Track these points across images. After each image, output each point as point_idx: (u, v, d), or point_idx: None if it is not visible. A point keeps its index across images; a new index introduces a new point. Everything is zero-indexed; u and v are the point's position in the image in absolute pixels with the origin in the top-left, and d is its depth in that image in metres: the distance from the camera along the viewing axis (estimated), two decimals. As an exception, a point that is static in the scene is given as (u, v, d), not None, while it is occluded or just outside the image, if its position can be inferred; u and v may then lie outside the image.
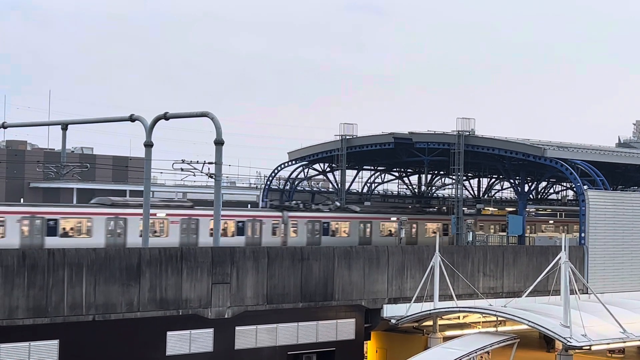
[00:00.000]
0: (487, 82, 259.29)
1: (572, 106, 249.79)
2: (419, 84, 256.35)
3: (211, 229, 47.41)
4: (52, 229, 44.59)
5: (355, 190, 71.52)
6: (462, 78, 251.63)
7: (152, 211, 44.96)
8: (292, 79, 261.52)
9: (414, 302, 40.53)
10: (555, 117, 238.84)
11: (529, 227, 61.21)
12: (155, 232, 47.86)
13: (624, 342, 37.96)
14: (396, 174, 75.03)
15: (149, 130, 43.48)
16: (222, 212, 43.85)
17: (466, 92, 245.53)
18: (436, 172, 73.07)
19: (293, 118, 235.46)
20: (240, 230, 51.40)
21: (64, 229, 45.20)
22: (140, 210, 43.76)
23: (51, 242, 43.55)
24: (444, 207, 67.21)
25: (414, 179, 76.43)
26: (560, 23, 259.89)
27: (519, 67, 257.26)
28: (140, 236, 44.25)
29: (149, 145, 43.40)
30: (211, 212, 46.87)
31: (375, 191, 74.95)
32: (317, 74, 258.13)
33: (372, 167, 72.21)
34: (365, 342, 41.70)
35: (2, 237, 42.51)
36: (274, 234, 53.31)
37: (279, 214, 54.23)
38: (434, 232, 60.19)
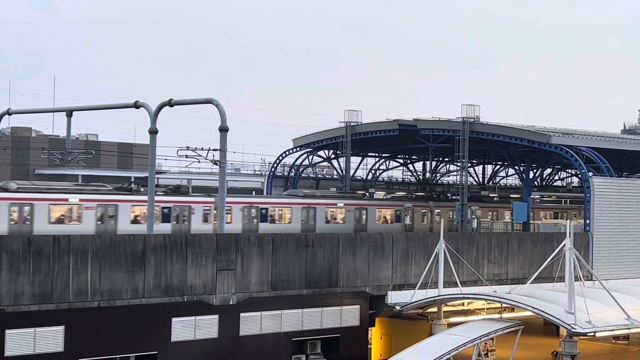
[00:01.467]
0: (492, 68, 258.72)
1: (578, 93, 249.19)
2: (424, 71, 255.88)
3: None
4: (264, 216, 51.99)
5: (359, 177, 71.53)
6: (467, 64, 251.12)
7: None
8: (297, 65, 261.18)
9: (418, 289, 40.57)
10: (561, 104, 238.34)
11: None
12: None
13: (629, 328, 38.02)
14: (401, 160, 74.98)
15: (154, 116, 43.48)
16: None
17: (471, 78, 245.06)
18: (441, 159, 73.02)
19: (298, 105, 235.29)
20: (165, 217, 47.72)
21: (271, 216, 52.27)
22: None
23: (263, 227, 50.96)
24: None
25: (418, 166, 76.41)
26: (565, 8, 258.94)
27: (524, 53, 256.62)
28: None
29: (153, 132, 43.42)
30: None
31: (380, 178, 74.96)
32: (322, 61, 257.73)
33: (377, 154, 72.16)
34: (369, 328, 41.79)
35: (229, 222, 48.70)
36: (205, 220, 50.08)
37: (211, 199, 50.39)
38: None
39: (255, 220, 51.73)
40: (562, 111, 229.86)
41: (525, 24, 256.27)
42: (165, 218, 47.78)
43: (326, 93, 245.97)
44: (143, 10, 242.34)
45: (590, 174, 49.87)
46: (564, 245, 36.85)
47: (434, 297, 40.06)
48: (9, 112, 55.37)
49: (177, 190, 50.97)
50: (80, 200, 45.25)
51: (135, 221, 46.83)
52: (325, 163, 72.05)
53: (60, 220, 44.31)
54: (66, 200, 44.83)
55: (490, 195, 68.51)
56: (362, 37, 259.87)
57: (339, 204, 56.54)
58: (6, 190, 43.82)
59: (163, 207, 47.94)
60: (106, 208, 45.94)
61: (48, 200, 44.66)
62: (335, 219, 56.31)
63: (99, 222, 45.43)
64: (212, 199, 50.20)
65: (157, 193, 46.20)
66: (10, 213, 42.69)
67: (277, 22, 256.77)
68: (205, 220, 49.85)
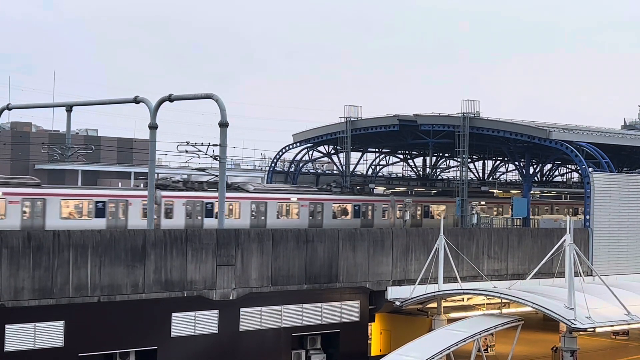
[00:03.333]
0: (492, 64, 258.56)
1: (578, 88, 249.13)
2: (425, 66, 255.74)
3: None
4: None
5: (360, 173, 71.53)
6: (468, 60, 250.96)
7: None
8: (297, 60, 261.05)
9: (418, 284, 40.59)
10: (561, 100, 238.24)
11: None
12: (286, 213, 52.72)
13: (628, 324, 38.05)
14: (401, 156, 74.97)
15: (154, 112, 43.44)
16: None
17: (472, 74, 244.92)
18: (441, 154, 73.00)
19: (298, 100, 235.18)
20: (100, 212, 46.28)
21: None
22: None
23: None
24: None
25: (418, 161, 76.43)
26: (567, 4, 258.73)
27: (525, 49, 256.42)
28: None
29: (153, 127, 43.38)
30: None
31: (380, 173, 74.96)
32: (323, 55, 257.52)
33: (377, 150, 72.15)
34: (369, 323, 41.81)
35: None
36: (383, 216, 56.24)
37: (388, 199, 56.19)
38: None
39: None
40: (562, 107, 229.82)
41: (526, 20, 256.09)
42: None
43: (326, 88, 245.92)
44: (143, 4, 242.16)
45: (591, 169, 49.85)
46: (564, 240, 36.85)
47: (434, 292, 40.07)
48: (8, 107, 55.27)
49: (362, 190, 60.32)
50: (298, 199, 53.64)
51: (334, 216, 55.64)
52: (325, 158, 72.01)
53: (283, 215, 53.49)
54: (288, 199, 53.36)
55: (491, 190, 68.49)
56: (363, 32, 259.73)
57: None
58: (246, 190, 52.55)
59: (354, 205, 56.76)
60: (315, 206, 54.62)
61: (277, 200, 54.06)
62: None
63: (311, 217, 54.13)
64: (388, 199, 59.48)
65: (346, 192, 57.21)
66: (251, 210, 51.54)
67: (277, 16, 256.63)
68: (383, 215, 57.99)
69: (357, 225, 54.66)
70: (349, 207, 57.31)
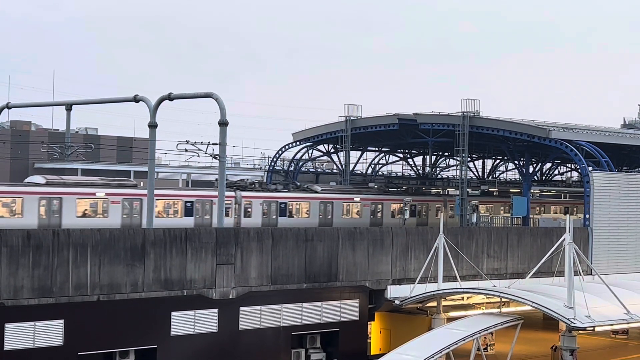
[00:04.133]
0: (492, 63, 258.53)
1: (577, 87, 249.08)
2: (424, 65, 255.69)
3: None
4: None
5: (359, 172, 71.51)
6: (467, 59, 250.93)
7: None
8: (297, 59, 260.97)
9: (417, 283, 40.59)
10: (561, 99, 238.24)
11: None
12: (352, 214, 56.29)
13: (628, 323, 38.05)
14: (400, 155, 74.97)
15: (153, 110, 43.44)
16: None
17: (471, 72, 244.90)
18: (440, 153, 73.02)
19: (298, 99, 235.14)
20: (189, 211, 48.67)
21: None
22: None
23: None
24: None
25: (418, 160, 76.43)
26: (566, 3, 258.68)
27: (525, 48, 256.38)
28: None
29: (153, 126, 43.38)
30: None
31: (380, 172, 74.95)
32: (322, 54, 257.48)
33: (377, 148, 72.16)
34: (369, 322, 41.81)
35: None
36: (227, 214, 50.80)
37: (440, 199, 61.52)
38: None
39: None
40: (562, 106, 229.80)
41: (526, 18, 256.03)
42: (412, 214, 59.43)
43: (326, 87, 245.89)
44: (143, 3, 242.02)
45: (590, 168, 49.86)
46: (564, 239, 36.85)
47: (434, 291, 40.06)
48: (8, 106, 55.29)
49: (417, 191, 65.36)
50: (361, 199, 57.52)
51: (392, 215, 59.00)
52: (325, 157, 72.02)
53: (345, 214, 56.29)
54: (352, 199, 57.20)
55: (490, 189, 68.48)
56: (363, 32, 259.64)
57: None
58: (315, 191, 55.53)
59: (411, 205, 59.98)
60: (376, 205, 58.19)
61: (343, 200, 57.10)
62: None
63: (372, 217, 57.31)
64: (441, 199, 63.58)
65: (402, 192, 61.87)
66: (319, 210, 54.71)
67: (278, 15, 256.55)
68: (436, 214, 60.61)
69: (413, 224, 57.92)
70: (308, 206, 57.34)
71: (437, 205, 62.46)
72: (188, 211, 48.55)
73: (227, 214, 47.71)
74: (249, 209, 51.48)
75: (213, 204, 48.41)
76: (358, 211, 57.41)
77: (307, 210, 54.34)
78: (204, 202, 49.18)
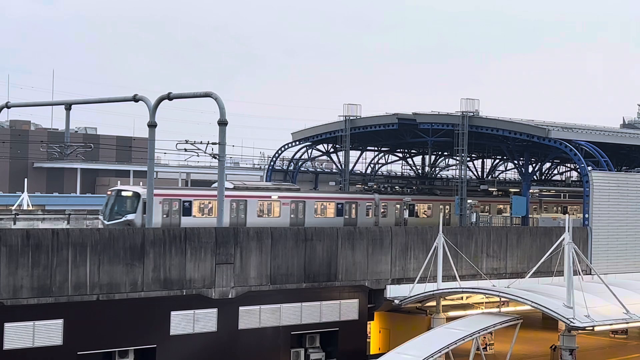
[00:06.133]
0: (492, 62, 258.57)
1: (577, 87, 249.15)
2: (424, 65, 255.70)
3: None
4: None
5: (359, 171, 71.47)
6: (467, 58, 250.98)
7: None
8: (296, 58, 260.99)
9: (417, 283, 40.59)
10: (560, 98, 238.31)
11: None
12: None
13: (627, 322, 38.06)
14: (400, 154, 74.94)
15: (153, 110, 43.38)
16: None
17: (471, 72, 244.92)
18: (440, 152, 72.98)
19: (297, 98, 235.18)
20: (339, 212, 55.21)
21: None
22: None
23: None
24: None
25: (417, 160, 76.37)
26: (566, 2, 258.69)
27: (524, 47, 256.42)
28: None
29: (152, 125, 43.32)
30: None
31: (379, 172, 74.92)
32: (322, 54, 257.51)
33: (376, 148, 72.11)
34: (368, 322, 41.81)
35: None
36: (367, 214, 57.93)
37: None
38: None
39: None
40: (561, 105, 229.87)
41: (525, 18, 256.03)
42: (499, 212, 63.76)
43: (326, 87, 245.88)
44: (142, 3, 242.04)
45: (590, 168, 49.83)
46: (563, 239, 36.84)
47: (433, 291, 40.07)
48: (7, 106, 55.19)
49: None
50: (412, 199, 59.82)
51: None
52: (325, 157, 71.96)
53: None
54: (401, 200, 59.39)
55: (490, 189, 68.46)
56: (363, 31, 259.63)
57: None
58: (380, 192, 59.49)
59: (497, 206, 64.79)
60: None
61: (394, 201, 59.68)
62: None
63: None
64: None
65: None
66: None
67: (277, 15, 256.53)
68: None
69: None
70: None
71: (367, 204, 58.87)
72: (339, 212, 55.53)
73: (367, 214, 56.29)
74: (385, 210, 57.84)
75: (358, 206, 56.20)
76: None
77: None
78: (351, 204, 56.34)
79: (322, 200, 55.04)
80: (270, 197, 51.86)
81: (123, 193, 47.29)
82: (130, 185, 55.06)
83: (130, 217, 45.91)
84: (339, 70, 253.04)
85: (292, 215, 52.44)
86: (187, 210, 47.47)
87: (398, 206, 58.55)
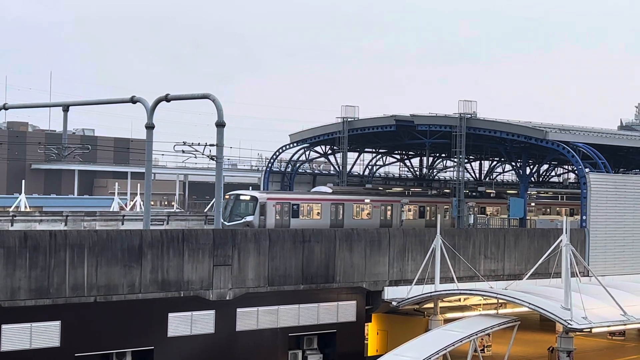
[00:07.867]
0: (489, 64, 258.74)
1: (575, 88, 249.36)
2: (422, 66, 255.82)
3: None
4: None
5: (356, 173, 71.50)
6: (465, 59, 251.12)
7: None
8: (294, 60, 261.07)
9: (415, 285, 40.58)
10: (558, 100, 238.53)
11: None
12: None
13: (625, 324, 38.03)
14: (398, 156, 74.98)
15: (150, 111, 43.44)
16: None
17: (469, 73, 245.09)
18: (438, 154, 73.03)
19: (295, 100, 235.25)
20: (422, 214, 60.98)
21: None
22: None
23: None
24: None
25: (415, 161, 76.42)
26: (564, 4, 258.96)
27: (522, 48, 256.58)
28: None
29: (150, 127, 43.38)
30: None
31: (377, 174, 74.95)
32: (320, 55, 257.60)
33: (374, 150, 72.15)
34: (366, 324, 41.80)
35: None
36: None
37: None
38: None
39: (389, 218, 58.85)
40: (559, 107, 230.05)
41: (524, 19, 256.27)
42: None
43: (324, 88, 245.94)
44: (141, 4, 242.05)
45: (587, 170, 49.87)
46: (561, 241, 36.86)
47: (431, 292, 40.06)
48: (5, 107, 55.20)
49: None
50: None
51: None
52: (322, 159, 71.98)
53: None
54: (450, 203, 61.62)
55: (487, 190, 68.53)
56: (362, 32, 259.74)
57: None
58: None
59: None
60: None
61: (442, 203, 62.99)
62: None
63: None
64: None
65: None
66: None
67: (276, 16, 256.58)
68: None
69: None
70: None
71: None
72: (421, 214, 60.68)
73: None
74: None
75: (437, 208, 60.65)
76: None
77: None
78: (431, 206, 61.48)
79: (412, 204, 60.35)
80: (363, 200, 57.29)
81: (242, 197, 52.30)
82: (249, 190, 58.90)
83: (249, 218, 51.24)
84: (338, 72, 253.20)
85: (381, 217, 57.45)
86: (295, 213, 52.87)
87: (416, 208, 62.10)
